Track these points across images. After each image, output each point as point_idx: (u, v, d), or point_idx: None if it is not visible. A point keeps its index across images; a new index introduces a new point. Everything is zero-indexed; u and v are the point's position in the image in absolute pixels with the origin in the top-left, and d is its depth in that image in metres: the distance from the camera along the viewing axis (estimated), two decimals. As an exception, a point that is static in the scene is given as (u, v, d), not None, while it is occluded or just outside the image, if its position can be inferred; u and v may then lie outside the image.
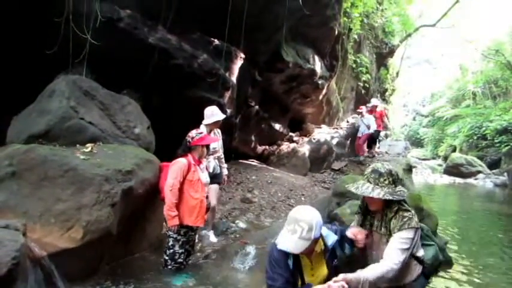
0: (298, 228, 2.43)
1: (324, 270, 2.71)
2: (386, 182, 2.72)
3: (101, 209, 3.77)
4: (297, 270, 2.62)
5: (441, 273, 5.58)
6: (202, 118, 5.57)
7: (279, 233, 5.16)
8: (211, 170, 5.65)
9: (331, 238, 2.72)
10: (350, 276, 2.45)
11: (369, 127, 12.34)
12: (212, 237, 5.87)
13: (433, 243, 2.87)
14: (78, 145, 4.43)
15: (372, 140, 13.23)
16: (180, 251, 4.39)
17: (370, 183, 2.75)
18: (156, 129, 5.82)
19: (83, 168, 3.89)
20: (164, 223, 4.38)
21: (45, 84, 4.85)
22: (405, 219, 2.67)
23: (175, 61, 6.68)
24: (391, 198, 2.68)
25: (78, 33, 5.27)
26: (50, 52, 5.17)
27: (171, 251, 4.36)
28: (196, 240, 5.33)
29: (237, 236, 6.23)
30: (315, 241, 2.55)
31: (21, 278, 2.82)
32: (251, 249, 5.06)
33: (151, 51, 6.30)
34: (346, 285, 2.39)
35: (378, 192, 2.69)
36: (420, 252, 2.80)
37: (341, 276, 2.44)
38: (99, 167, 4.01)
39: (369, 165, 3.22)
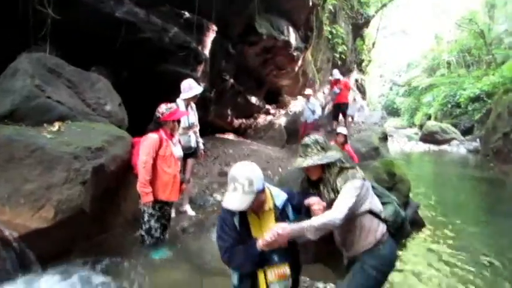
0: (239, 185, 2.35)
1: None
2: (315, 150, 2.84)
3: (72, 187, 3.73)
4: (244, 229, 2.52)
5: (413, 235, 5.80)
6: (176, 93, 5.51)
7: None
8: (192, 145, 5.65)
9: (281, 197, 2.61)
10: (292, 225, 2.48)
11: (313, 112, 11.58)
12: (190, 211, 5.91)
13: (390, 200, 2.89)
14: (45, 124, 4.33)
15: (338, 113, 12.81)
16: (156, 225, 4.40)
17: (301, 156, 2.88)
18: (128, 106, 5.73)
19: (50, 147, 3.83)
20: (139, 199, 4.36)
21: (6, 64, 4.67)
22: (349, 174, 2.75)
23: (144, 35, 6.53)
24: (320, 162, 2.79)
25: (39, 8, 5.07)
26: (9, 30, 4.97)
27: (147, 226, 4.37)
28: (174, 215, 5.35)
29: (215, 209, 6.30)
30: (260, 194, 2.45)
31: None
32: (228, 221, 5.11)
33: (119, 25, 6.12)
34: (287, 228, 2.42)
35: (308, 162, 2.82)
36: (377, 207, 2.85)
37: (282, 225, 2.45)
38: (68, 145, 3.95)
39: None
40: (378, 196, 2.92)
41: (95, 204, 4.17)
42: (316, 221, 2.53)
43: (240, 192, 2.35)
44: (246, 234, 2.51)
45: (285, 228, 2.42)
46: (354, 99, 19.26)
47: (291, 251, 2.58)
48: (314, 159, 2.81)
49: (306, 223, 2.51)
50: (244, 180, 2.36)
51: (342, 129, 8.17)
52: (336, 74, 12.76)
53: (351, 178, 2.72)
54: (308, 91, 12.00)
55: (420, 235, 5.88)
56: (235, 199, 2.36)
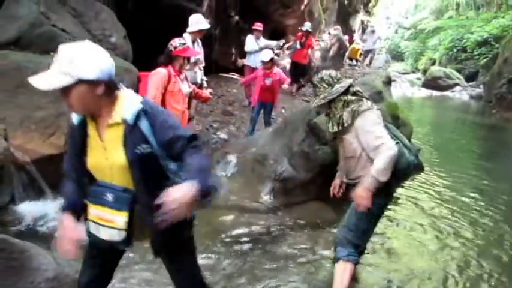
0: (57, 62, 1.65)
1: (119, 157, 1.76)
2: (322, 88, 2.86)
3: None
4: (80, 148, 1.84)
5: (412, 178, 5.87)
6: (181, 28, 5.38)
7: (259, 143, 5.35)
8: (198, 81, 5.61)
9: (134, 107, 1.75)
10: (365, 186, 2.62)
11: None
12: (194, 148, 5.97)
13: (397, 141, 2.81)
14: (51, 53, 4.26)
15: (298, 73, 11.06)
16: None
17: (315, 95, 2.94)
18: (133, 40, 5.62)
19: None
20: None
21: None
22: (354, 108, 2.76)
23: (150, -35, 6.28)
24: (324, 101, 2.83)
25: None
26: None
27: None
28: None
29: (218, 146, 6.39)
30: (89, 87, 1.66)
31: (6, 182, 2.87)
32: (232, 158, 5.20)
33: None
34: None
35: (316, 101, 2.88)
36: None
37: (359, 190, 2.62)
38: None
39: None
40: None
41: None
42: (378, 166, 2.58)
43: (54, 70, 1.65)
44: (80, 154, 1.84)
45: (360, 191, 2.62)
46: (373, 31, 18.83)
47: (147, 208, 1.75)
48: (321, 97, 2.85)
49: (373, 173, 2.58)
50: (63, 56, 1.65)
51: (265, 55, 6.63)
52: (307, 26, 10.77)
53: (361, 112, 2.72)
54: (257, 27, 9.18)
55: (419, 179, 5.97)
56: (45, 76, 1.65)
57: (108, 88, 1.72)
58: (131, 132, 1.73)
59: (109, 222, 1.75)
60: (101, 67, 1.67)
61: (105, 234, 1.79)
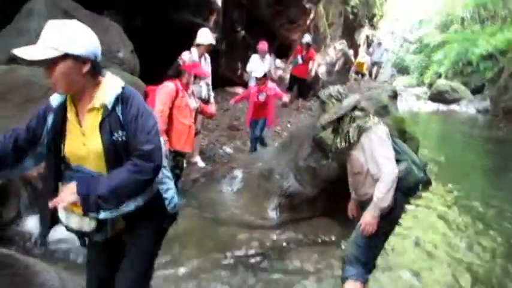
0: (43, 36, 1.61)
1: (96, 143, 1.73)
2: (331, 104, 2.84)
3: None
4: (57, 131, 1.78)
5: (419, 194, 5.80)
6: (187, 43, 5.43)
7: (265, 157, 5.33)
8: (203, 96, 5.61)
9: (114, 92, 1.73)
10: (369, 214, 2.67)
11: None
12: (200, 162, 5.98)
13: (405, 158, 2.81)
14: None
15: (301, 88, 10.82)
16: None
17: (321, 113, 2.93)
18: (140, 53, 5.67)
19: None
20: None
21: (21, 4, 4.60)
22: (361, 123, 2.75)
23: (157, -19, 6.37)
24: (335, 116, 2.81)
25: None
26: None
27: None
28: (185, 165, 5.42)
29: (224, 161, 6.37)
30: (75, 63, 1.64)
31: (13, 197, 2.87)
32: (238, 173, 5.19)
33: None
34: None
35: (325, 118, 2.86)
36: None
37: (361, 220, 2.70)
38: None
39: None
40: (395, 151, 2.83)
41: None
42: (378, 192, 2.60)
43: (41, 43, 1.60)
44: (60, 140, 1.78)
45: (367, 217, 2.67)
46: (380, 43, 18.83)
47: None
48: (330, 113, 2.83)
49: (374, 199, 2.62)
50: (49, 30, 1.62)
51: (258, 72, 6.40)
52: (307, 38, 10.21)
53: (367, 129, 2.71)
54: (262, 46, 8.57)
55: (427, 194, 5.89)
56: (31, 48, 1.60)
57: (93, 68, 1.70)
58: (109, 118, 1.71)
59: (80, 209, 1.70)
60: (88, 45, 1.66)
61: (74, 223, 1.76)
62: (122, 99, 1.74)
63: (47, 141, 1.79)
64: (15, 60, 4.16)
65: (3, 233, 3.20)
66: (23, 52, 1.58)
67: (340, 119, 2.84)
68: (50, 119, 1.78)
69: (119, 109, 1.73)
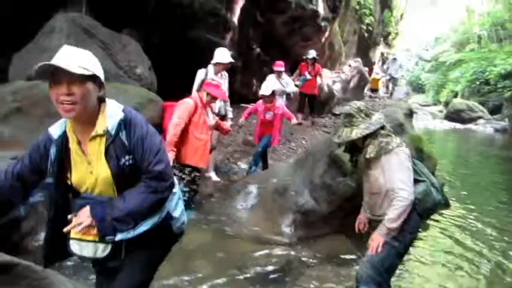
0: (67, 57, 1.58)
1: (104, 170, 1.71)
2: (360, 119, 2.78)
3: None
4: (61, 163, 1.75)
5: (437, 215, 5.69)
6: (204, 60, 5.50)
7: (280, 174, 5.32)
8: (216, 111, 5.66)
9: (116, 118, 1.72)
10: (378, 234, 2.69)
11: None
12: (214, 177, 5.99)
13: (424, 179, 2.77)
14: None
15: (311, 104, 10.56)
16: (185, 189, 4.48)
17: (347, 127, 2.81)
18: (158, 70, 5.77)
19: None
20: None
21: (42, 22, 4.74)
22: (383, 144, 2.70)
23: (175, 0, 6.50)
24: (368, 131, 2.74)
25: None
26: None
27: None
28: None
29: (239, 176, 6.37)
30: (94, 84, 1.67)
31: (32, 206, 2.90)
32: (253, 189, 5.16)
33: (151, -11, 6.12)
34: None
35: (356, 132, 2.75)
36: None
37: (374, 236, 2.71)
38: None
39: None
40: (414, 171, 2.79)
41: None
42: (390, 215, 2.61)
43: (68, 62, 1.57)
44: (67, 170, 1.77)
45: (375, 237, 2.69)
46: (395, 59, 18.86)
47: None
48: (362, 128, 2.75)
49: (385, 221, 2.63)
50: (75, 54, 1.62)
51: (265, 89, 6.19)
52: (313, 53, 9.96)
53: (390, 150, 2.67)
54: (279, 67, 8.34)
55: (444, 216, 5.78)
56: (65, 61, 1.57)
57: (104, 94, 1.74)
58: (113, 144, 1.70)
59: (94, 236, 1.70)
60: (102, 72, 1.73)
61: (88, 251, 1.75)
62: (124, 124, 1.73)
63: (53, 173, 1.76)
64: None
65: (22, 244, 3.23)
66: (57, 61, 1.57)
67: (366, 136, 2.78)
68: (53, 151, 1.76)
69: (122, 134, 1.72)
